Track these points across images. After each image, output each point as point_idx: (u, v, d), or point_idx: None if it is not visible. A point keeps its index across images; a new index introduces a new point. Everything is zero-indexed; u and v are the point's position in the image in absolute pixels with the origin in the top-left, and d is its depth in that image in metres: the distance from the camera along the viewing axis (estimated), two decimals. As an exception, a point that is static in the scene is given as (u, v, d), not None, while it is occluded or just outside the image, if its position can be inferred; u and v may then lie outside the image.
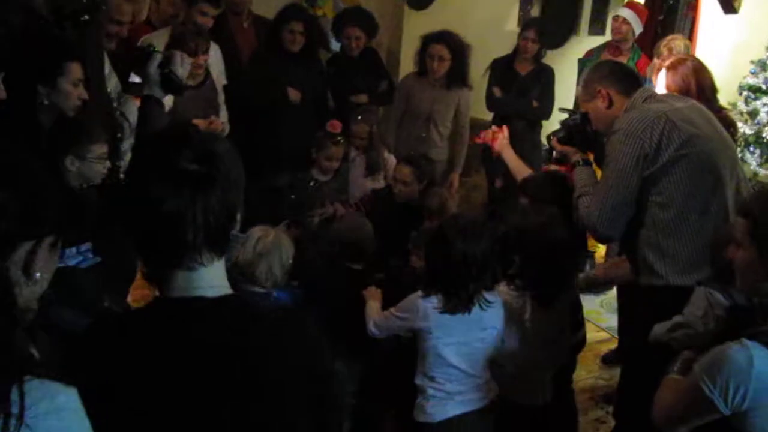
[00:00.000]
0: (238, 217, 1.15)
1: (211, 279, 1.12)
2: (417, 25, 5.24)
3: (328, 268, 2.87)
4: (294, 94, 4.13)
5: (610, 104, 2.51)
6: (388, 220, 3.48)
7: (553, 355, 2.47)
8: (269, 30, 4.18)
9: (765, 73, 4.92)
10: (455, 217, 2.53)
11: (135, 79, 2.36)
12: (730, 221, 2.35)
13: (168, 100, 3.58)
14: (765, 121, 4.90)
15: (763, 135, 4.85)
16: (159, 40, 3.66)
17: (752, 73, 4.96)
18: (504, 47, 4.83)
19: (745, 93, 4.95)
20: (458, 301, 2.23)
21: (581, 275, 2.80)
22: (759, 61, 4.94)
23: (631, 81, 2.56)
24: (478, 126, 4.99)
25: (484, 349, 2.32)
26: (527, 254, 2.30)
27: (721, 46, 5.35)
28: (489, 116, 4.86)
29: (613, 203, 2.41)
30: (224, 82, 3.94)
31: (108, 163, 2.37)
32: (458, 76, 4.30)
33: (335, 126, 3.84)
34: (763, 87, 4.91)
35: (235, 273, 2.52)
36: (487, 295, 2.28)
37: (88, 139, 2.35)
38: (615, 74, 2.55)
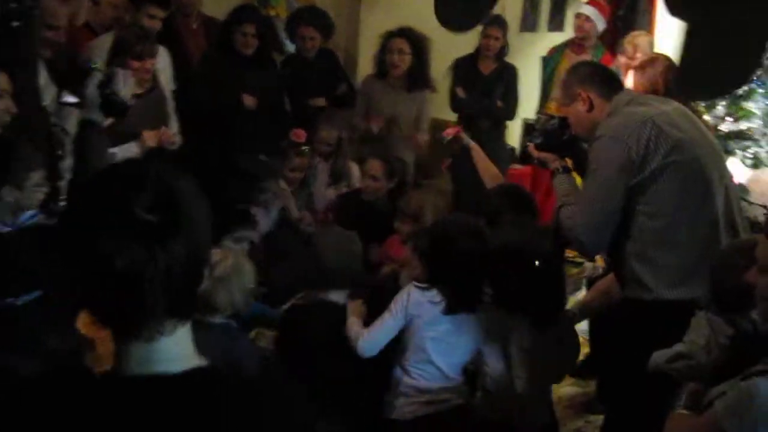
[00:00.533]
0: (206, 272, 0.96)
1: (176, 350, 0.92)
2: (374, 25, 5.06)
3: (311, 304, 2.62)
4: (249, 101, 3.91)
5: (591, 107, 2.38)
6: (355, 225, 3.30)
7: (552, 378, 2.37)
8: (220, 32, 3.95)
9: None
10: (455, 216, 2.51)
11: (68, 98, 2.03)
12: (720, 231, 2.24)
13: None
14: (722, 114, 4.86)
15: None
16: (102, 46, 3.41)
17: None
18: (465, 46, 4.68)
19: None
20: (461, 301, 2.21)
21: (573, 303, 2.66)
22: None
23: (612, 83, 2.43)
24: (441, 127, 4.88)
25: (464, 354, 2.29)
26: (518, 273, 2.14)
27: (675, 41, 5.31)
28: (452, 117, 4.72)
29: (598, 213, 2.27)
30: (173, 87, 3.70)
31: (46, 188, 2.11)
32: (420, 77, 4.16)
33: (299, 135, 3.64)
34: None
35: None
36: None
37: (25, 166, 2.08)
38: (595, 76, 2.42)
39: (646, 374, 1.91)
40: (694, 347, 1.74)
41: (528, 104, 5.12)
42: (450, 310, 2.22)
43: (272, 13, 5.12)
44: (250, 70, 3.90)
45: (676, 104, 2.43)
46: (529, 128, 5.50)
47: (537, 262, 2.12)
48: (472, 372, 2.35)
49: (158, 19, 3.60)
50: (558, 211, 2.41)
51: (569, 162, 2.62)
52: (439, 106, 4.66)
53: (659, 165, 2.20)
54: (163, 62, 3.64)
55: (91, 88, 1.95)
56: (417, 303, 2.24)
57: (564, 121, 2.52)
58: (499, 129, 4.70)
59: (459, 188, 4.78)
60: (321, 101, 4.24)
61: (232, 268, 2.31)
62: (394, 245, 3.35)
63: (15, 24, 2.41)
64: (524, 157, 5.44)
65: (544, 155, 2.61)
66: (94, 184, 0.92)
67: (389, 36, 4.13)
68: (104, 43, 3.44)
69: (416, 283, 2.29)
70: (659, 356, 1.83)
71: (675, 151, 2.21)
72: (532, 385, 2.20)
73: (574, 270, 3.87)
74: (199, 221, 0.92)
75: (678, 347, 1.79)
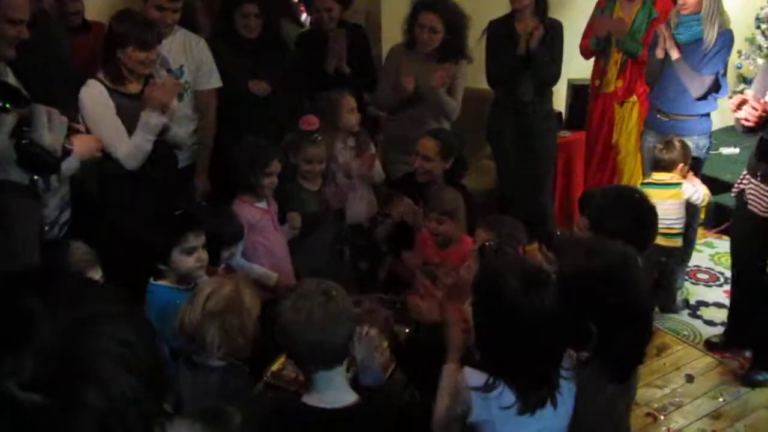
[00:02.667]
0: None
1: None
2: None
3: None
4: (259, 87, 3.48)
5: None
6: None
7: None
8: (219, 15, 3.52)
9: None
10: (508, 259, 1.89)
11: None
12: None
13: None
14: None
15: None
16: None
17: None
18: (499, 5, 4.13)
19: (764, 26, 4.29)
20: (536, 395, 1.61)
21: None
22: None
23: None
24: (477, 98, 4.38)
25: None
26: (601, 315, 1.66)
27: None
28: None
29: None
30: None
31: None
32: (454, 50, 3.67)
33: (311, 122, 3.18)
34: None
35: (181, 339, 1.95)
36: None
37: None
38: None
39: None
40: None
41: (573, 63, 4.57)
42: (526, 408, 1.62)
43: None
44: (256, 56, 3.46)
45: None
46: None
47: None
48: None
49: (170, 11, 3.16)
50: None
51: None
52: (475, 75, 4.15)
53: None
54: (177, 44, 3.26)
55: (1, 137, 1.32)
56: (481, 408, 1.63)
57: None
58: (545, 95, 4.14)
59: (499, 162, 4.33)
60: (346, 68, 3.76)
61: (226, 300, 1.95)
62: (426, 245, 2.93)
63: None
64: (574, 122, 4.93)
65: None
66: None
67: (419, 7, 3.66)
68: None
69: (470, 371, 1.66)
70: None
71: None
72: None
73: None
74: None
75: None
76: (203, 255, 2.37)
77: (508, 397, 1.61)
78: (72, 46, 3.23)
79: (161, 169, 2.92)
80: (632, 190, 2.46)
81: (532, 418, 1.62)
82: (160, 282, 2.35)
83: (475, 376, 1.63)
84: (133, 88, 2.89)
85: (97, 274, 2.19)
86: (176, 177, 3.13)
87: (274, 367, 2.32)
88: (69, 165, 1.85)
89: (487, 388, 1.60)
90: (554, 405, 1.62)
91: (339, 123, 3.37)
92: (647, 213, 2.20)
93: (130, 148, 2.79)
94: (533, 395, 1.60)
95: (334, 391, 1.65)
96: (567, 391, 1.68)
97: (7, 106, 1.31)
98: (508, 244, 2.36)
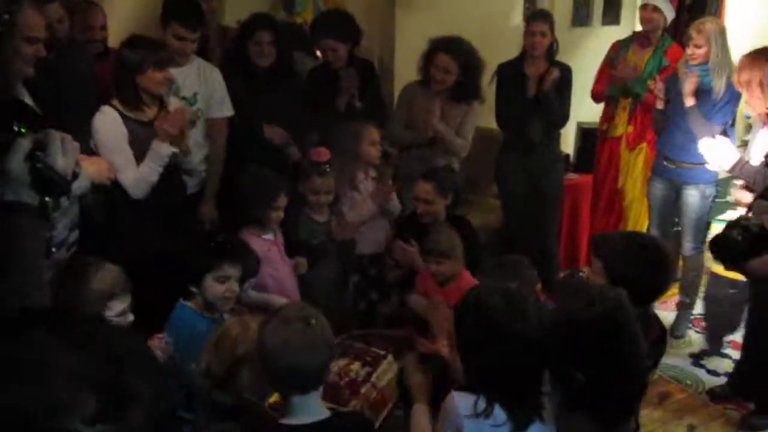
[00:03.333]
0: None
1: None
2: (410, 26, 4.61)
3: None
4: (274, 133, 3.51)
5: None
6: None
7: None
8: (233, 45, 3.57)
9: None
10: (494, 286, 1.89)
11: None
12: None
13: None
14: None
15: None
16: None
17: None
18: (510, 47, 4.19)
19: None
20: (524, 413, 1.68)
21: None
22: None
23: None
24: (486, 137, 4.40)
25: None
26: (592, 363, 1.65)
27: (748, 27, 4.73)
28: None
29: None
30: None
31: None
32: (467, 92, 3.73)
33: (321, 154, 3.21)
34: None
35: (207, 384, 1.92)
36: None
37: None
38: None
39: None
40: None
41: (582, 106, 4.61)
42: (518, 427, 1.69)
43: (299, 20, 4.72)
44: (265, 85, 3.49)
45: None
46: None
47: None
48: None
49: (189, 41, 3.21)
50: None
51: None
52: (484, 115, 4.18)
53: None
54: (193, 74, 3.29)
55: (16, 163, 1.33)
56: (473, 429, 1.68)
57: None
58: (553, 136, 4.18)
59: (505, 202, 4.34)
60: (357, 103, 3.77)
61: (254, 343, 1.85)
62: (426, 283, 2.95)
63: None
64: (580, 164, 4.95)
65: None
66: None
67: (434, 48, 3.70)
68: None
69: (458, 395, 1.74)
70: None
71: None
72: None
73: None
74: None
75: None
76: (235, 287, 2.41)
77: (500, 415, 1.68)
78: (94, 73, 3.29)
79: (170, 197, 2.94)
80: (649, 237, 2.46)
81: None
82: (186, 303, 2.39)
83: (462, 399, 1.71)
84: (149, 114, 2.93)
85: (126, 301, 2.16)
86: (184, 204, 3.14)
87: (272, 399, 2.30)
88: (80, 184, 1.87)
89: (479, 414, 1.67)
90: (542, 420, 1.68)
91: (360, 154, 3.39)
92: (664, 261, 2.18)
93: (136, 176, 2.82)
94: (520, 412, 1.67)
95: (308, 414, 1.72)
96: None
97: (23, 130, 1.34)
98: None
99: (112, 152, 2.80)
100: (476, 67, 3.73)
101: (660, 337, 2.19)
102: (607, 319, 1.66)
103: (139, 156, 2.84)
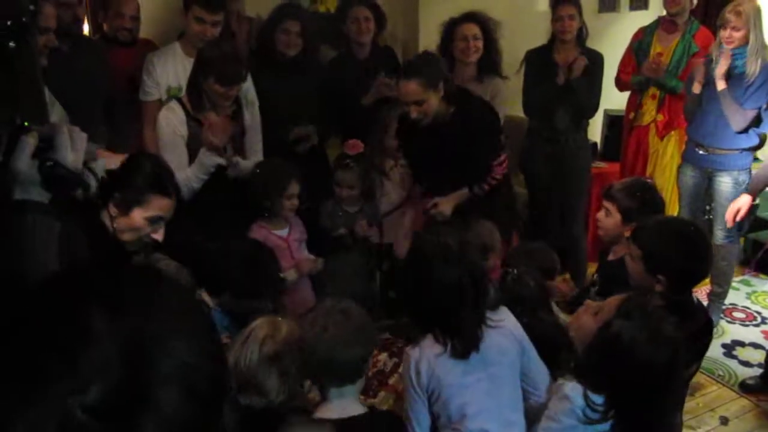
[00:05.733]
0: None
1: None
2: (434, 13, 4.55)
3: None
4: (302, 133, 3.48)
5: None
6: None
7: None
8: (261, 33, 3.54)
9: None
10: (428, 235, 2.09)
11: None
12: None
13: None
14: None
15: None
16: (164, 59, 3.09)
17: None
18: (536, 33, 4.12)
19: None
20: (464, 342, 1.85)
21: None
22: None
23: None
24: (511, 126, 4.33)
25: (510, 377, 1.94)
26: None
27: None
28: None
29: None
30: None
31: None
32: (490, 64, 3.67)
33: (354, 146, 3.19)
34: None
35: (235, 384, 1.87)
36: (490, 315, 1.93)
37: None
38: None
39: None
40: None
41: (610, 94, 4.52)
42: (459, 354, 1.88)
43: (322, 9, 4.68)
44: (291, 75, 3.46)
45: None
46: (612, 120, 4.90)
47: None
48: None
49: (209, 24, 3.16)
50: None
51: None
52: (509, 103, 4.12)
53: None
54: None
55: (23, 162, 1.24)
56: (428, 367, 1.89)
57: None
58: (580, 125, 4.10)
59: (532, 193, 4.28)
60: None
61: (284, 344, 1.85)
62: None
63: (11, 45, 2.00)
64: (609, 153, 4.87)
65: None
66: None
67: (455, 22, 3.67)
68: (167, 55, 3.14)
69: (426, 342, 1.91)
70: None
71: None
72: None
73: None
74: None
75: None
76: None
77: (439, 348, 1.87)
78: (114, 57, 3.29)
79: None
80: (688, 224, 2.39)
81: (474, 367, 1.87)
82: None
83: (429, 341, 1.89)
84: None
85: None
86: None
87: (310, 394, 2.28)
88: (98, 165, 1.84)
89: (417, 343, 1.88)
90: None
91: (383, 143, 3.37)
92: (702, 248, 2.13)
93: (181, 179, 2.79)
94: (459, 344, 1.85)
95: (343, 407, 1.74)
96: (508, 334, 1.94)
97: (26, 123, 1.27)
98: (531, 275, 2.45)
99: (167, 150, 2.83)
100: (497, 38, 3.70)
101: (706, 328, 2.13)
102: (663, 365, 1.67)
103: (194, 156, 2.87)
